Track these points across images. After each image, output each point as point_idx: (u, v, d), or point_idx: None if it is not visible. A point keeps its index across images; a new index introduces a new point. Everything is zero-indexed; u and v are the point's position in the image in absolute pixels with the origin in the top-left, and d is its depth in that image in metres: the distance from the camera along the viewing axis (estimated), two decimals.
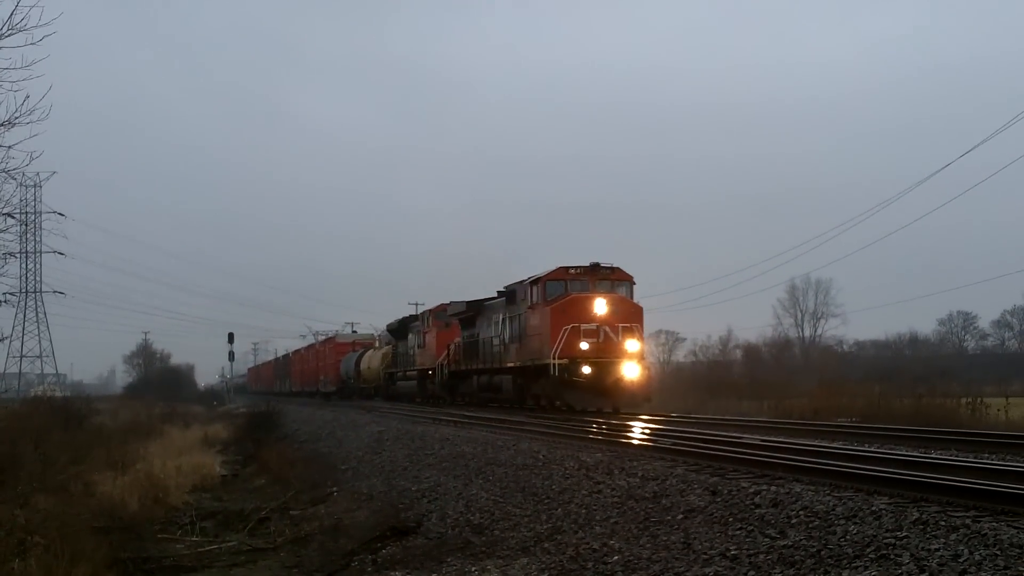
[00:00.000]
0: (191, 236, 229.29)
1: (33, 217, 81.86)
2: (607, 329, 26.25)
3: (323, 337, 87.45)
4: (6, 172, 14.72)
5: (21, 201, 74.71)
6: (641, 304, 27.87)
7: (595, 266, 27.37)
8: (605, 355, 26.13)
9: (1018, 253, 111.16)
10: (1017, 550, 6.90)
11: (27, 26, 12.77)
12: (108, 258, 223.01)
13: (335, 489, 18.18)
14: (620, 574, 8.80)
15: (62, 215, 76.39)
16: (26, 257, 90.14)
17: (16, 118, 13.54)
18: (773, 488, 10.13)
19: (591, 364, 25.88)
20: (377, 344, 58.58)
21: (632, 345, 26.36)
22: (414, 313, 50.01)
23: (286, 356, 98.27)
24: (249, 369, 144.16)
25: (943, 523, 7.80)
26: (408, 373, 46.70)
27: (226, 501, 19.33)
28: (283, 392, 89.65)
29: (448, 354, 38.22)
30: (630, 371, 26.09)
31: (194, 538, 14.88)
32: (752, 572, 7.88)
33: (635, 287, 28.03)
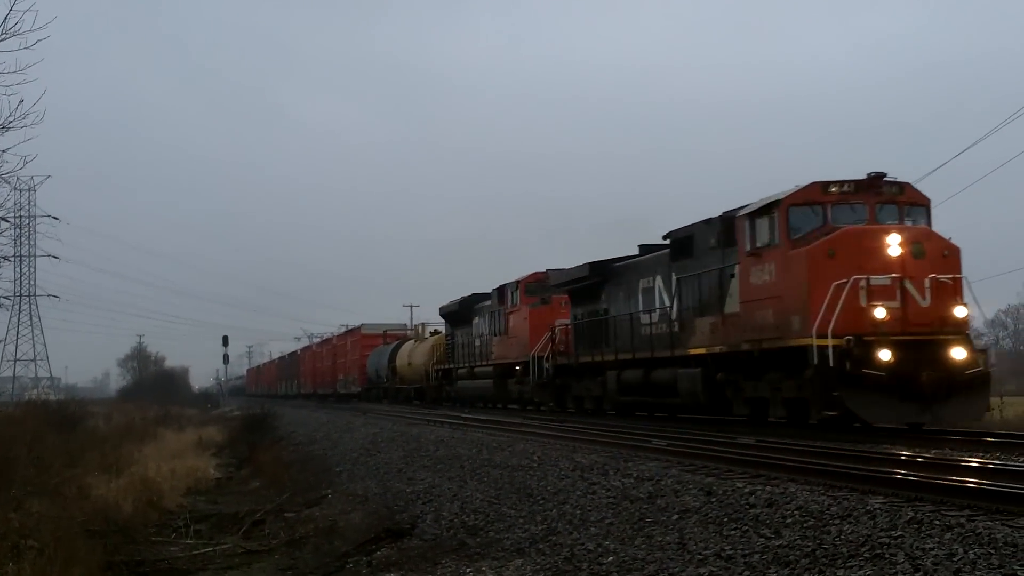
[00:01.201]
0: (185, 238, 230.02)
1: (27, 221, 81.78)
2: (910, 284, 16.17)
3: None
4: (0, 176, 14.74)
5: (15, 205, 74.37)
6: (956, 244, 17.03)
7: (877, 179, 17.14)
8: (917, 328, 16.07)
9: (1012, 253, 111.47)
10: (1011, 549, 6.91)
11: (21, 30, 12.81)
12: (102, 261, 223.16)
13: (330, 491, 18.15)
14: (615, 575, 8.80)
15: (56, 219, 76.19)
16: (20, 261, 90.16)
17: (10, 122, 13.60)
18: (768, 488, 10.14)
19: (894, 346, 15.68)
20: (420, 334, 49.63)
21: (958, 311, 16.39)
22: (478, 292, 37.98)
23: (293, 354, 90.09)
24: (248, 370, 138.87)
25: (938, 522, 7.81)
26: (477, 369, 35.93)
27: (221, 504, 19.30)
28: (290, 394, 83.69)
29: (552, 341, 28.20)
30: (958, 356, 16.05)
31: (188, 541, 14.86)
32: (747, 572, 7.88)
33: (933, 216, 17.66)
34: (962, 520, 7.81)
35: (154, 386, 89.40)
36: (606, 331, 24.59)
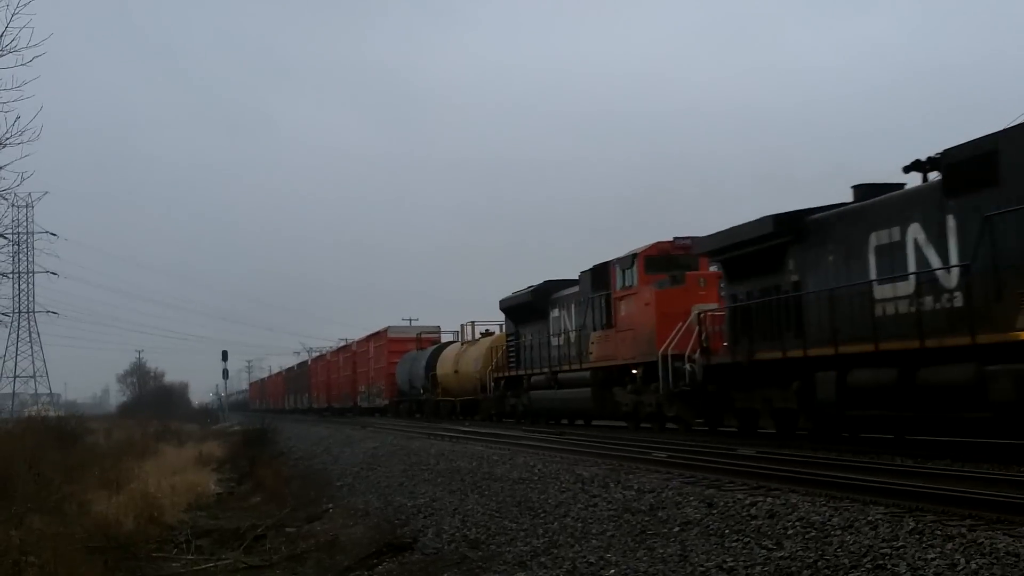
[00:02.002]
0: (182, 253, 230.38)
1: (25, 237, 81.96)
2: None
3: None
4: None
5: (13, 221, 74.61)
6: None
7: None
8: None
9: None
10: (1013, 559, 6.91)
11: (17, 47, 12.86)
12: (101, 277, 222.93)
13: (331, 506, 18.13)
14: None
15: (54, 235, 76.42)
16: (18, 278, 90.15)
17: (7, 139, 13.62)
18: (769, 499, 10.14)
19: None
20: (467, 335, 40.10)
21: None
22: (553, 279, 29.83)
23: (303, 365, 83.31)
24: (251, 384, 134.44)
25: (939, 532, 7.81)
26: (564, 375, 27.49)
27: (221, 519, 19.27)
28: (299, 409, 77.41)
29: (699, 332, 20.71)
30: None
31: (190, 556, 14.83)
32: None
33: None
34: (963, 530, 7.81)
35: (154, 401, 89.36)
36: (801, 314, 17.37)
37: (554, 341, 28.38)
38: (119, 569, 12.92)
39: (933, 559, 7.18)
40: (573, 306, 27.27)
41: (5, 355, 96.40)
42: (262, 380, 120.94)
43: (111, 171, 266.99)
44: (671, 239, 23.90)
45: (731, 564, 8.37)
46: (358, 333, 62.88)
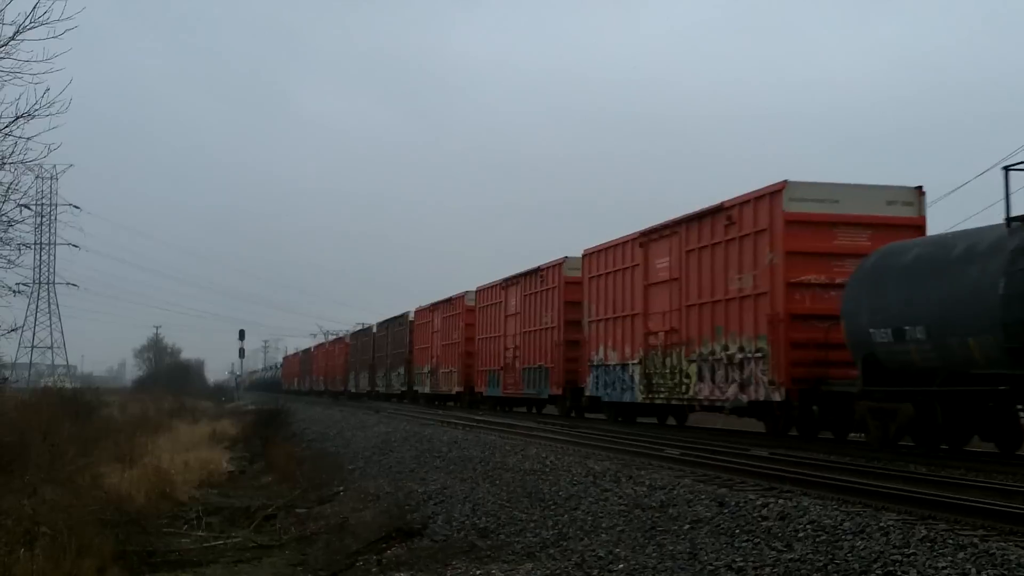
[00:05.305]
0: (203, 233, 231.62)
1: (49, 209, 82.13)
2: None
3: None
4: (24, 163, 14.83)
5: (37, 193, 74.80)
6: None
7: None
8: None
9: None
10: None
11: (49, 19, 12.87)
12: (122, 252, 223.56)
13: (342, 489, 18.19)
14: None
15: (77, 208, 76.44)
16: (40, 248, 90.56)
17: (36, 110, 13.63)
18: (781, 501, 10.11)
19: None
20: None
21: None
22: None
23: (395, 322, 50.54)
24: (285, 359, 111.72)
25: (951, 541, 7.78)
26: None
27: (232, 497, 19.37)
28: (382, 393, 51.85)
29: None
30: None
31: (200, 533, 14.93)
32: None
33: None
34: (975, 540, 7.77)
35: (169, 378, 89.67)
36: None
37: None
38: (130, 543, 12.99)
39: (944, 568, 7.15)
40: None
41: (24, 325, 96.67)
42: (305, 352, 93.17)
43: (133, 150, 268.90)
44: None
45: (740, 564, 8.35)
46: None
